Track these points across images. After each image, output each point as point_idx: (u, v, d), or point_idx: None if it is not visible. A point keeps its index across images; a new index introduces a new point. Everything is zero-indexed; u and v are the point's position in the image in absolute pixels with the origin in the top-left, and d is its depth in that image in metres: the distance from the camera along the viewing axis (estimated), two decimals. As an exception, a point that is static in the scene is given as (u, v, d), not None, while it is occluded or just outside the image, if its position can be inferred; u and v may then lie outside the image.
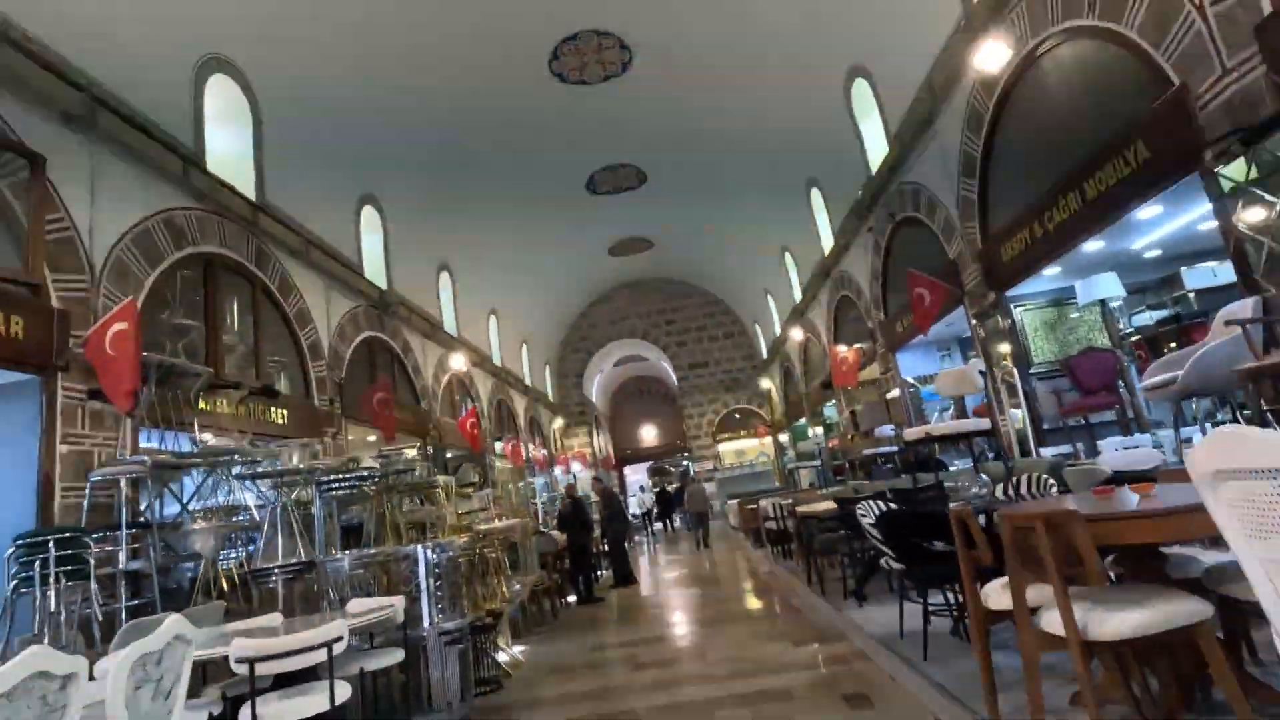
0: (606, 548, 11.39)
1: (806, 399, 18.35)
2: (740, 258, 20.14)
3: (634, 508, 24.27)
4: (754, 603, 7.62)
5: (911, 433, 4.71)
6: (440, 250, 13.87)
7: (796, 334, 16.65)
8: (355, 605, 4.31)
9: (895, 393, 10.71)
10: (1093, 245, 6.12)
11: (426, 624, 4.68)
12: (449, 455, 14.75)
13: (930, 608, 4.44)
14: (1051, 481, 4.25)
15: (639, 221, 19.66)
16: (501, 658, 6.06)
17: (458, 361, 13.34)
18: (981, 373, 4.30)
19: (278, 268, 7.93)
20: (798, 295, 16.64)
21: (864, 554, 5.63)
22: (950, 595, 4.30)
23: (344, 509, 5.93)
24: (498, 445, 15.76)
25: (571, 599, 9.56)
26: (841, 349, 11.87)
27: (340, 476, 5.10)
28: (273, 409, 7.13)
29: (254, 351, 7.30)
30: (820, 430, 16.29)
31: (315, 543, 5.33)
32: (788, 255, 16.87)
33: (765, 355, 23.73)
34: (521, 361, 20.43)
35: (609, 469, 29.22)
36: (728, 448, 26.95)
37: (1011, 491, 4.21)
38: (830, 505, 6.29)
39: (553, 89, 11.97)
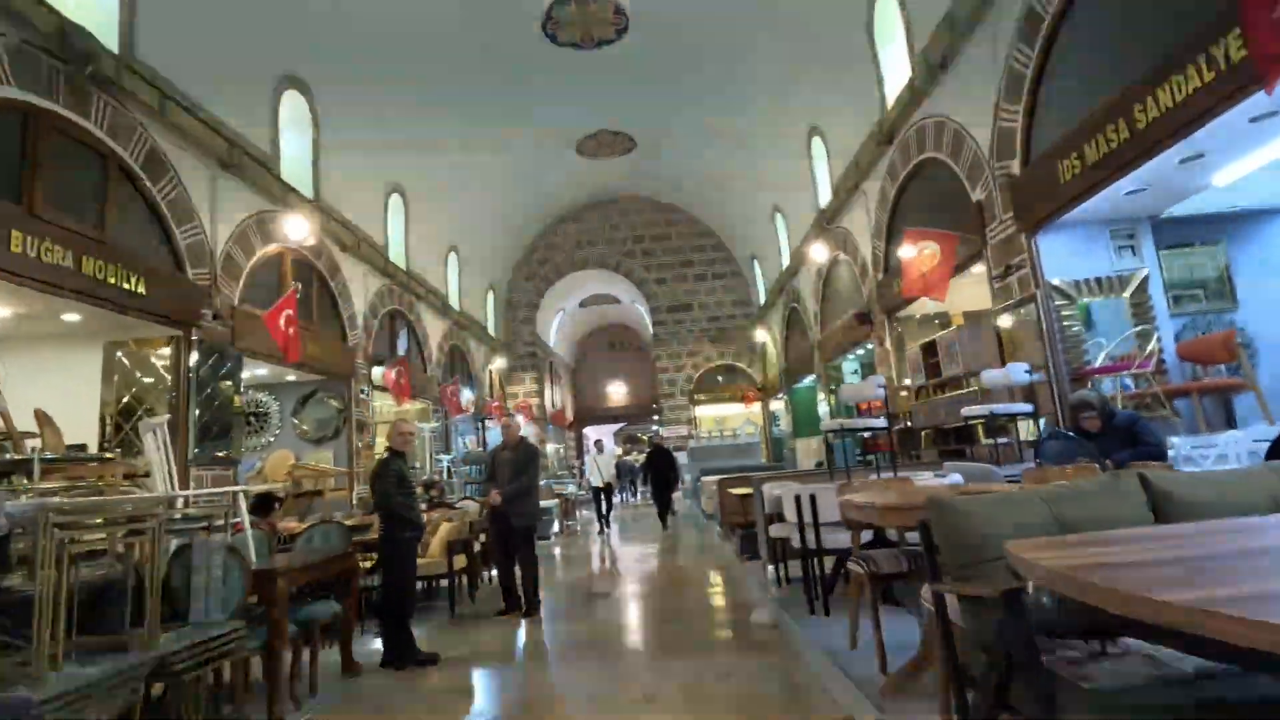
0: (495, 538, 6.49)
1: (819, 350, 13.58)
2: (747, 163, 15.08)
3: (593, 477, 17.58)
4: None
5: None
6: (284, 55, 8.70)
7: (819, 253, 11.79)
8: None
9: (1026, 310, 5.90)
10: None
11: None
12: (290, 378, 9.82)
13: None
14: None
15: (617, 104, 14.53)
16: None
17: (296, 228, 8.30)
18: None
19: None
20: (825, 198, 11.75)
21: None
22: None
23: None
24: (377, 372, 10.82)
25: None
26: (908, 248, 7.02)
27: None
28: None
29: None
30: (853, 379, 11.51)
31: None
32: (817, 140, 11.90)
33: (763, 300, 18.89)
34: (446, 273, 15.39)
35: (563, 426, 24.45)
36: (706, 412, 22.26)
37: None
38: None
39: None
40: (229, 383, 7.27)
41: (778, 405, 19.92)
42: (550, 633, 5.37)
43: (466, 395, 15.49)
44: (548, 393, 22.41)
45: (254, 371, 9.16)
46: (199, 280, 6.90)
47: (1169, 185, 5.13)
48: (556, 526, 12.96)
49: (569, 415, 26.13)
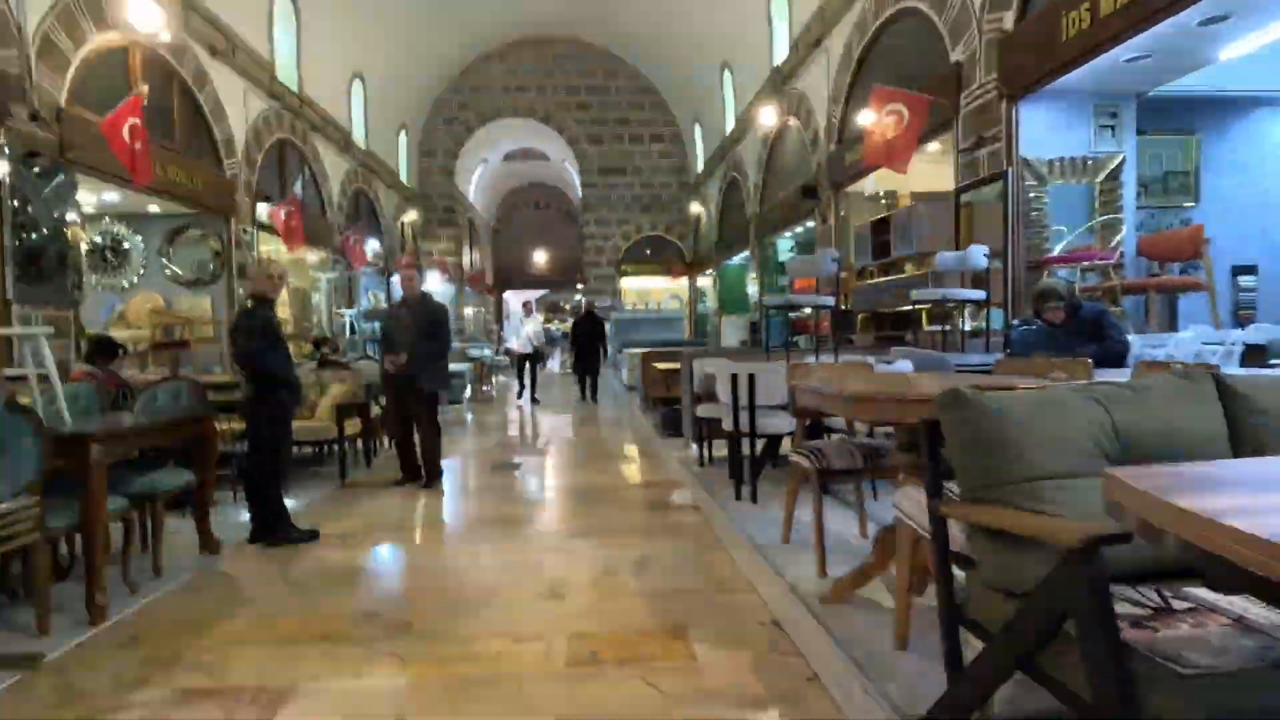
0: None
1: (755, 225, 12.98)
2: (698, 7, 13.50)
3: (517, 343, 14.91)
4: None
5: None
6: None
7: (768, 117, 10.86)
8: None
9: (992, 189, 5.40)
10: None
11: None
12: (155, 209, 8.38)
13: None
14: None
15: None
16: None
17: (142, 13, 6.61)
18: None
19: None
20: (781, 54, 10.67)
21: None
22: None
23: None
24: (262, 210, 9.43)
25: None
26: (872, 111, 6.27)
27: None
28: None
29: None
30: (788, 256, 11.05)
31: None
32: (781, -16, 10.61)
33: (701, 169, 17.88)
34: (349, 104, 13.46)
35: (482, 289, 23.35)
36: (632, 284, 21.64)
37: None
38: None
39: None
40: (61, 205, 5.95)
41: (705, 282, 19.50)
42: (451, 508, 4.90)
43: (373, 246, 14.14)
44: (466, 252, 21.05)
45: (104, 196, 7.71)
46: (4, 65, 5.38)
47: (1174, 54, 4.57)
48: (469, 392, 12.40)
49: (489, 278, 24.93)
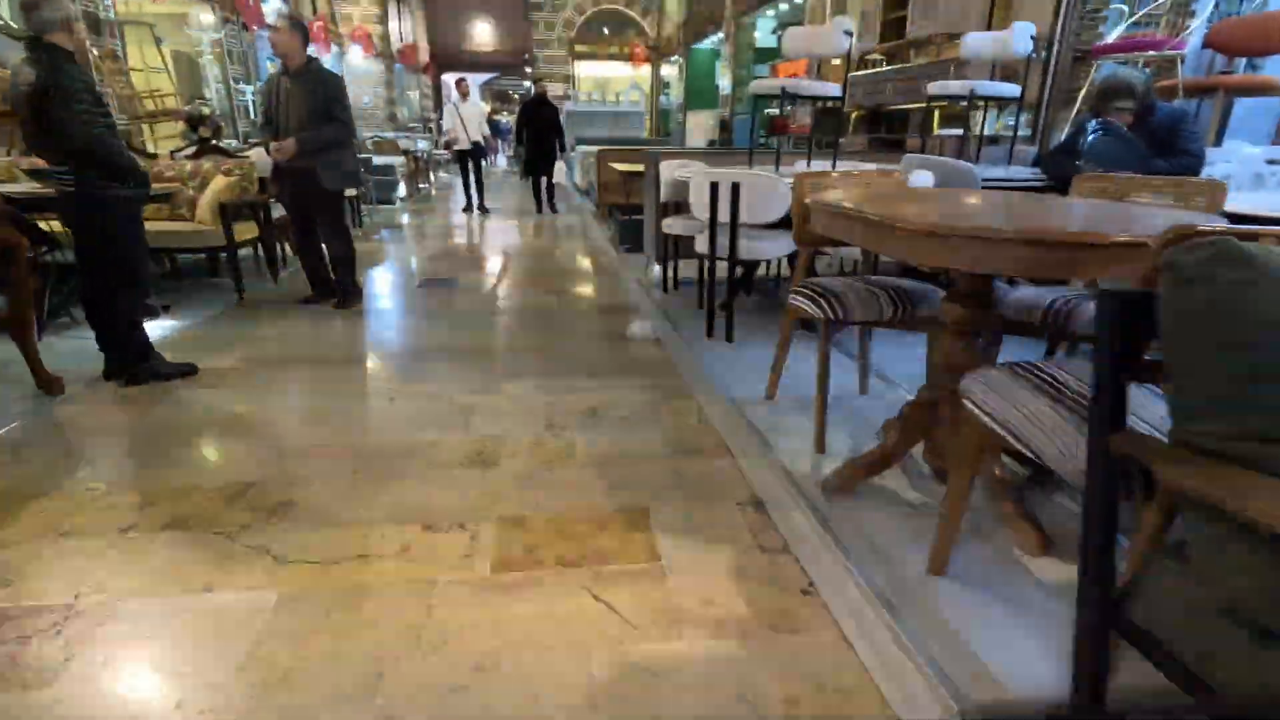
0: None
1: (734, -1, 11.07)
2: None
3: (456, 133, 11.40)
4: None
5: None
6: None
7: None
8: None
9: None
10: None
11: None
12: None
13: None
14: None
15: None
16: None
17: None
18: None
19: None
20: None
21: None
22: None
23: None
24: (109, -58, 7.28)
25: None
26: None
27: None
28: None
29: None
30: (769, 40, 9.51)
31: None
32: None
33: (672, -75, 15.06)
34: None
35: (415, 69, 20.51)
36: (587, 71, 19.30)
37: None
38: None
39: None
40: None
41: (670, 70, 17.41)
42: (365, 336, 4.12)
43: (274, 4, 11.71)
44: (394, 21, 18.05)
45: None
46: None
47: None
48: (403, 190, 11.06)
49: (423, 55, 21.84)
